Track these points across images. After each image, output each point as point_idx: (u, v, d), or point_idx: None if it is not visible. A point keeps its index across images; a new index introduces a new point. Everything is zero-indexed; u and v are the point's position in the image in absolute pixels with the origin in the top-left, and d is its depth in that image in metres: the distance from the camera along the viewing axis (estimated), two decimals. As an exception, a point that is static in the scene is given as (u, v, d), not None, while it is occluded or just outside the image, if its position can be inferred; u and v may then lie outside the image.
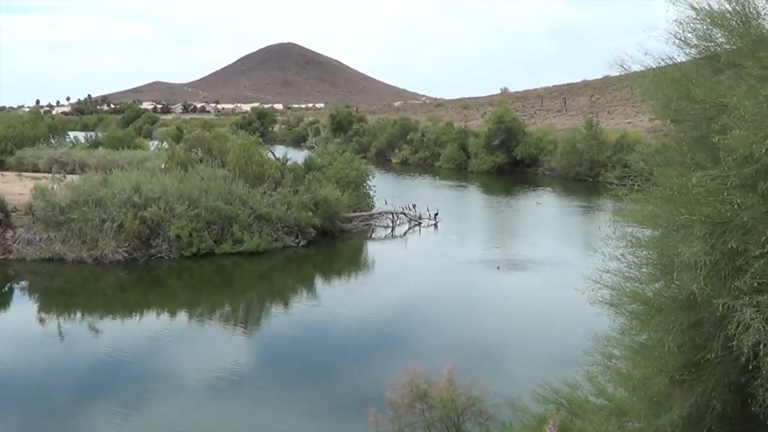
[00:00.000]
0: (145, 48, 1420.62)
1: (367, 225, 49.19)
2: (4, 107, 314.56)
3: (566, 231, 49.86)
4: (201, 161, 45.80)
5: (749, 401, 5.24)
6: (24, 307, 31.51)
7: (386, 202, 52.11)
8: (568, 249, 41.66)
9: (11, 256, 37.33)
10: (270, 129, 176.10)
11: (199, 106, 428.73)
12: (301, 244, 41.69)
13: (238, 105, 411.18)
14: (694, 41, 6.00)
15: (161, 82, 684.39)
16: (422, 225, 50.25)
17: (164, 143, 71.75)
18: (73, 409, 20.37)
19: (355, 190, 49.08)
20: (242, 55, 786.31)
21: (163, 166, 46.86)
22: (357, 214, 48.51)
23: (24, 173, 55.73)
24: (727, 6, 5.69)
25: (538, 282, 34.81)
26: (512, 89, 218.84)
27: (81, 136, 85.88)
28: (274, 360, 24.77)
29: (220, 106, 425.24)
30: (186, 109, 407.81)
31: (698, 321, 5.43)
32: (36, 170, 59.17)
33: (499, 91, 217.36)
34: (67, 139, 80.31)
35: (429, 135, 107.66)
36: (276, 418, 20.15)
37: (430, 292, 33.97)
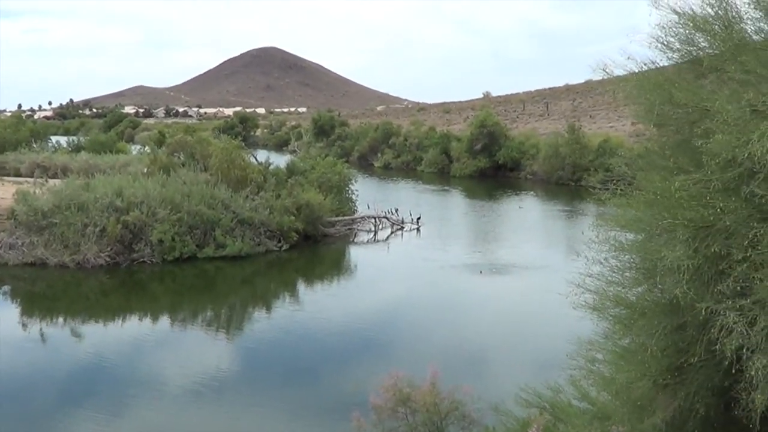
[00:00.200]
0: (128, 52, 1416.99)
1: (349, 229, 49.11)
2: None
3: (549, 235, 49.95)
4: (183, 165, 45.61)
5: (732, 405, 5.25)
6: (6, 312, 31.26)
7: (369, 207, 52.02)
8: (551, 253, 41.69)
9: (-7, 261, 37.15)
10: (252, 133, 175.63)
11: (181, 110, 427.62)
12: (284, 248, 41.59)
13: (221, 109, 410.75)
14: (677, 45, 6.01)
15: (143, 87, 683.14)
16: (405, 229, 50.19)
17: (146, 148, 71.40)
18: (55, 414, 20.24)
19: (337, 195, 48.99)
20: (225, 59, 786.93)
21: (145, 170, 46.68)
22: (339, 218, 48.43)
23: (6, 178, 55.55)
24: (710, 10, 5.70)
25: (521, 286, 34.83)
26: (494, 93, 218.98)
27: (63, 140, 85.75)
28: (256, 365, 24.69)
29: (202, 111, 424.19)
30: (168, 113, 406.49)
31: (681, 325, 5.43)
32: (18, 175, 58.99)
33: (482, 96, 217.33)
34: (49, 144, 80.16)
35: (411, 139, 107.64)
36: (258, 423, 20.08)
37: (412, 296, 33.94)
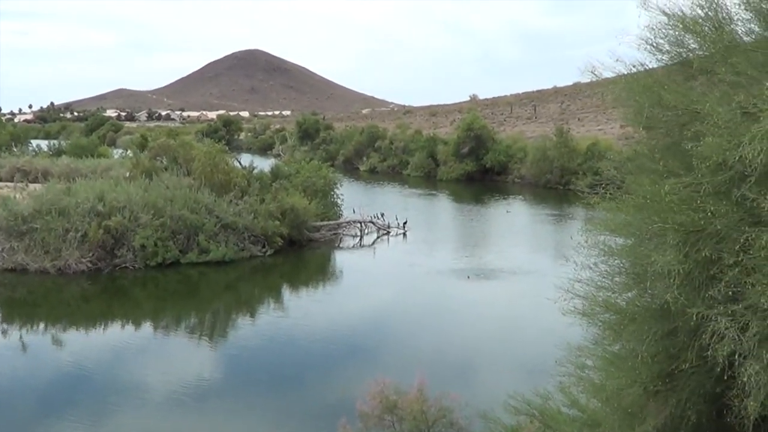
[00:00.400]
0: (109, 55, 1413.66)
1: (334, 234, 49.11)
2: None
3: (537, 240, 50.04)
4: (166, 170, 45.51)
5: (724, 412, 5.24)
6: (-16, 319, 31.18)
7: (354, 211, 52.00)
8: (540, 258, 41.78)
9: (-29, 267, 36.96)
10: (236, 137, 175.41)
11: (164, 113, 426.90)
12: (268, 253, 41.55)
13: (204, 112, 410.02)
14: (666, 47, 6.00)
15: (125, 90, 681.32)
16: (391, 234, 50.23)
17: (128, 151, 71.31)
18: (34, 424, 20.12)
19: (322, 199, 48.97)
20: (208, 61, 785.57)
21: (127, 174, 46.60)
22: (325, 223, 48.41)
23: (-15, 182, 55.29)
24: (700, 11, 5.69)
25: (510, 291, 34.86)
26: (481, 96, 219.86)
27: (44, 144, 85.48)
28: (240, 372, 24.62)
29: (185, 114, 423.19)
30: (151, 116, 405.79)
31: (672, 330, 5.42)
32: (-3, 179, 58.78)
33: (468, 98, 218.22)
34: (30, 148, 79.92)
35: (397, 143, 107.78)
36: (242, 431, 20.02)
37: (399, 302, 33.96)
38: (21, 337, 28.38)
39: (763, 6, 5.52)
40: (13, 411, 20.90)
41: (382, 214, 52.09)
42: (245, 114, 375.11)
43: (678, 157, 5.66)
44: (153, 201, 39.60)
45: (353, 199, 56.31)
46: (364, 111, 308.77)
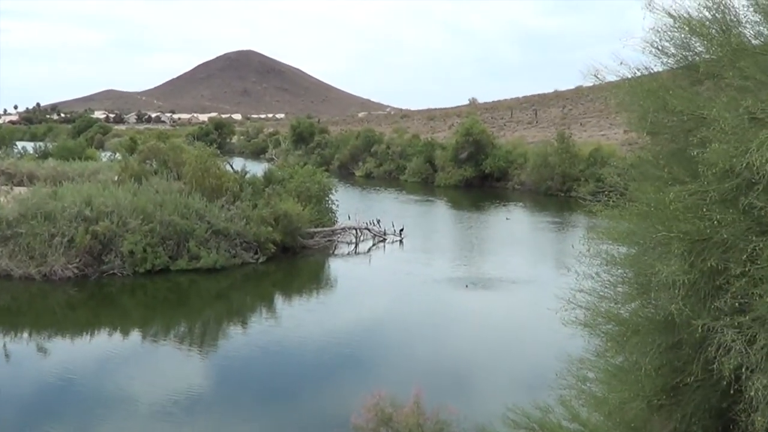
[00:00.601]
0: (98, 55, 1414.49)
1: (329, 241, 49.05)
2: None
3: (538, 248, 50.04)
4: (156, 174, 45.47)
5: (731, 427, 5.23)
6: (-34, 327, 31.10)
7: (349, 217, 51.98)
8: (540, 267, 41.78)
9: (-46, 273, 36.87)
10: (228, 140, 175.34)
11: (153, 115, 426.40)
12: (261, 260, 41.49)
13: (195, 115, 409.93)
14: (672, 50, 6.00)
15: (114, 91, 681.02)
16: (387, 241, 50.16)
17: (117, 154, 71.21)
18: (18, 435, 20.08)
19: (317, 205, 48.92)
20: (199, 62, 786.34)
21: (116, 178, 46.56)
22: (319, 229, 48.37)
23: (-32, 185, 55.15)
24: (707, 13, 5.69)
25: (509, 301, 34.85)
26: (481, 100, 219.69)
27: (29, 146, 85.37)
28: (231, 383, 24.56)
29: (176, 116, 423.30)
30: (140, 118, 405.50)
31: (677, 343, 5.41)
32: (-19, 182, 58.64)
33: (467, 102, 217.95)
34: (15, 150, 79.77)
35: (394, 147, 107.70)
36: (233, 444, 19.97)
37: (395, 311, 33.90)
38: (4, 345, 28.27)
39: (772, 8, 5.52)
40: (-4, 422, 20.84)
41: (378, 221, 52.03)
42: (238, 117, 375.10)
43: (683, 164, 5.66)
44: (142, 206, 39.52)
45: (348, 205, 56.31)
46: (360, 114, 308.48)
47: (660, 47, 6.01)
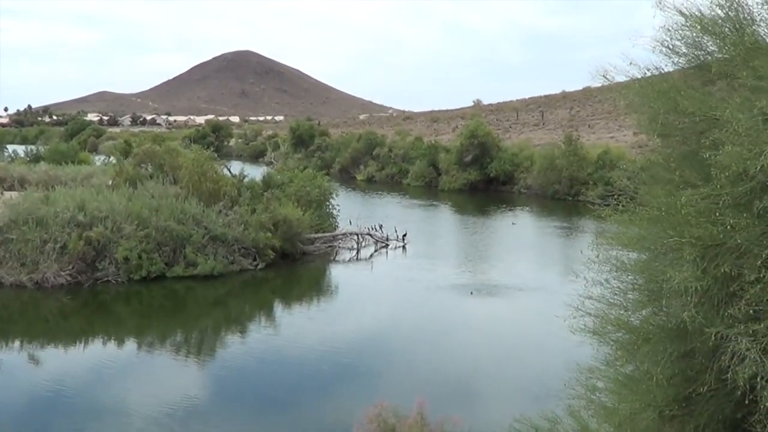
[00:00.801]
0: (91, 55, 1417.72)
1: (330, 247, 49.05)
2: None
3: (545, 254, 50.01)
4: (151, 178, 45.50)
5: (745, 438, 5.21)
6: (-44, 336, 31.10)
7: (351, 223, 51.99)
8: (548, 273, 41.76)
9: (-58, 281, 36.86)
10: (225, 143, 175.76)
11: (149, 118, 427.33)
12: (259, 267, 41.48)
13: (192, 117, 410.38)
14: (683, 49, 6.00)
15: (108, 92, 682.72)
16: (389, 247, 50.17)
17: (111, 158, 71.25)
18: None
19: (317, 210, 48.93)
20: (196, 63, 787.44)
21: (110, 182, 46.56)
22: (319, 235, 48.36)
23: (-43, 190, 55.18)
24: (719, 11, 5.68)
25: (515, 309, 34.84)
26: (486, 101, 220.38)
27: (20, 149, 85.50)
28: (228, 393, 24.54)
29: (171, 119, 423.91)
30: (135, 121, 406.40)
31: (689, 351, 5.40)
32: (-30, 187, 58.66)
33: (472, 104, 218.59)
34: (5, 153, 79.87)
35: (396, 150, 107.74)
36: (231, 456, 19.97)
37: (398, 319, 33.88)
38: (-5, 355, 28.33)
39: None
40: (-13, 434, 20.83)
41: (381, 226, 52.05)
42: (235, 119, 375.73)
43: (695, 167, 5.65)
44: (137, 211, 39.51)
45: (350, 209, 56.30)
46: (361, 116, 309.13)
47: (671, 46, 6.01)
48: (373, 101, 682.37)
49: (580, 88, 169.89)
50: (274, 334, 31.38)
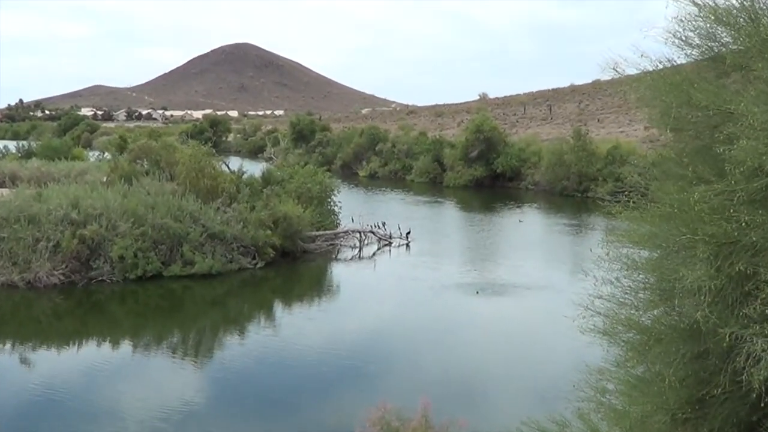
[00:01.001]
0: (85, 48, 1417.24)
1: (331, 245, 49.10)
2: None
3: (553, 252, 50.01)
4: (147, 174, 45.54)
5: (760, 442, 5.21)
6: (-54, 337, 31.12)
7: (353, 220, 52.04)
8: (556, 272, 41.76)
9: (-68, 280, 36.88)
10: (224, 138, 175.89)
11: (144, 112, 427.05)
12: (259, 265, 41.51)
13: (189, 112, 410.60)
14: (696, 41, 5.98)
15: (102, 86, 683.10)
16: (393, 245, 50.21)
17: (106, 154, 71.38)
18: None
19: (318, 207, 48.98)
20: (193, 56, 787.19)
21: (104, 179, 46.59)
22: (321, 232, 48.41)
23: (-53, 187, 55.24)
24: (734, 1, 5.66)
25: (522, 308, 34.86)
26: (492, 95, 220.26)
27: (11, 145, 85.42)
28: (227, 396, 24.55)
29: (168, 113, 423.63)
30: (130, 116, 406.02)
31: (703, 352, 5.39)
32: (-40, 184, 58.72)
33: (478, 97, 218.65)
34: (-4, 149, 79.76)
35: (400, 145, 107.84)
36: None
37: (401, 319, 33.91)
38: (-14, 357, 28.37)
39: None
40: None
41: (384, 224, 52.10)
42: (234, 114, 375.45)
43: (709, 162, 5.63)
44: (133, 208, 39.53)
45: (352, 206, 56.40)
46: (363, 111, 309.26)
47: (683, 38, 5.98)
48: (376, 95, 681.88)
49: (590, 81, 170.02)
50: (273, 334, 31.40)
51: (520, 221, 63.41)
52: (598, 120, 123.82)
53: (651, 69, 6.22)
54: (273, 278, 41.54)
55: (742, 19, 5.63)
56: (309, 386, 24.89)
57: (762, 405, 4.88)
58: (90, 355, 28.90)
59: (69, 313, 35.17)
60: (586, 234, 53.74)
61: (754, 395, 4.86)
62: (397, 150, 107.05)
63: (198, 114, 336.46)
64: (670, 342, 5.63)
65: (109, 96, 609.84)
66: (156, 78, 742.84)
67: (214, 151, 51.37)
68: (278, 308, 36.84)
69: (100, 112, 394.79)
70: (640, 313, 6.12)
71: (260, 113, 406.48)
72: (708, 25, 5.83)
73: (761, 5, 5.59)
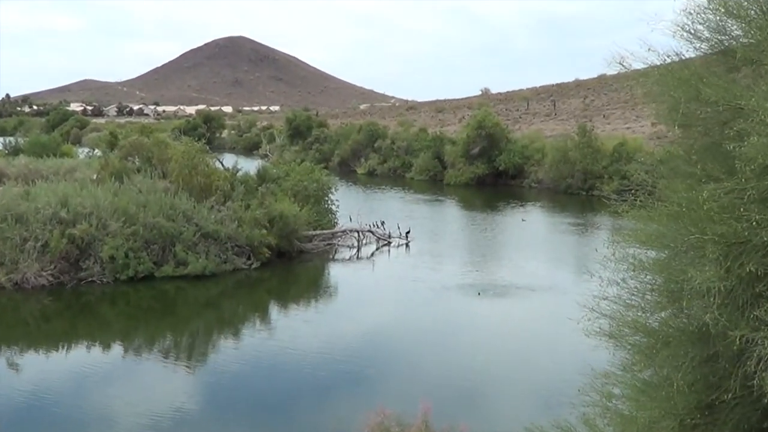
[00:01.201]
0: (74, 41, 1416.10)
1: (329, 244, 49.07)
2: None
3: (557, 252, 49.98)
4: (138, 171, 45.50)
5: (772, 449, 5.21)
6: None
7: (351, 219, 51.99)
8: (560, 273, 41.75)
9: None
10: (218, 135, 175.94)
11: (136, 108, 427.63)
12: (254, 266, 41.48)
13: (181, 107, 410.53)
14: (706, 34, 5.98)
15: (92, 81, 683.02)
16: (392, 245, 50.19)
17: (96, 150, 71.33)
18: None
19: (315, 205, 48.95)
20: (186, 50, 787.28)
21: (94, 176, 46.54)
22: (318, 232, 48.39)
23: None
24: (745, -7, 5.67)
25: (526, 310, 34.84)
26: (494, 90, 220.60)
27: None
28: (220, 401, 24.54)
29: (160, 109, 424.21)
30: (121, 111, 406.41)
31: (712, 356, 5.39)
32: (-55, 181, 58.66)
33: (479, 92, 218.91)
34: (-18, 146, 79.72)
35: (399, 142, 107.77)
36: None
37: (401, 321, 33.90)
38: (-27, 360, 28.33)
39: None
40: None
41: (383, 223, 52.07)
42: (228, 109, 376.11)
43: (718, 160, 5.63)
44: (124, 207, 39.49)
45: (350, 205, 56.37)
46: (361, 106, 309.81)
47: (692, 31, 5.98)
48: (375, 90, 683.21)
49: (595, 75, 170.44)
50: (269, 337, 31.39)
51: (523, 220, 63.40)
52: (604, 116, 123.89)
53: (658, 63, 6.22)
54: (268, 279, 41.52)
55: (753, 12, 5.63)
56: (305, 391, 24.88)
57: (774, 410, 4.89)
58: (79, 358, 28.88)
59: (58, 315, 35.14)
60: (592, 234, 53.75)
61: (766, 401, 4.86)
62: (397, 147, 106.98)
63: (191, 109, 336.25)
64: (678, 345, 5.63)
65: (100, 91, 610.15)
66: (147, 72, 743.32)
67: (207, 147, 51.29)
68: (274, 310, 36.84)
69: (89, 108, 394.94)
70: (648, 315, 6.12)
71: (255, 109, 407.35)
72: (718, 18, 5.83)
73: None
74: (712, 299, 5.02)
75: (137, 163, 47.81)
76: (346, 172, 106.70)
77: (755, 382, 4.86)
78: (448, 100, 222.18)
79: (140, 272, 38.12)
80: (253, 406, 23.97)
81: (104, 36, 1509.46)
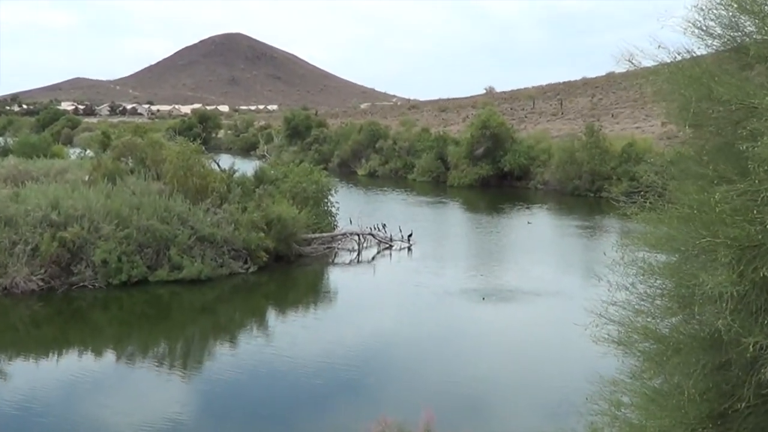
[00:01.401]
0: (65, 38, 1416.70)
1: (328, 248, 49.06)
2: None
3: (564, 256, 49.99)
4: (132, 173, 45.51)
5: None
6: None
7: (351, 222, 52.00)
8: (567, 277, 41.76)
9: None
10: (214, 135, 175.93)
11: (129, 107, 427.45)
12: (251, 270, 41.48)
13: (176, 106, 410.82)
14: (718, 31, 5.97)
15: (84, 79, 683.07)
16: (394, 248, 50.20)
17: (88, 151, 71.33)
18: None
19: (314, 207, 48.93)
20: (181, 47, 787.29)
21: (86, 178, 46.53)
22: (317, 235, 48.37)
23: None
24: (759, -12, 5.66)
25: (532, 316, 34.84)
26: (499, 88, 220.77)
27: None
28: (216, 410, 24.53)
29: (154, 108, 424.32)
30: (114, 110, 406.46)
31: (724, 363, 5.38)
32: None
33: (484, 91, 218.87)
34: (-30, 146, 79.70)
35: (401, 142, 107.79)
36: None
37: (403, 327, 33.89)
38: (-40, 367, 28.33)
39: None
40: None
41: (384, 225, 52.06)
42: (224, 108, 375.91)
43: (731, 160, 5.62)
44: (116, 209, 39.47)
45: (350, 207, 56.32)
46: (362, 106, 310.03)
47: (704, 27, 5.98)
48: (376, 89, 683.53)
49: (603, 73, 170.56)
50: (266, 344, 31.39)
51: (528, 223, 63.43)
52: (612, 115, 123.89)
53: (669, 61, 6.22)
54: (266, 284, 41.53)
55: (767, 7, 5.62)
56: (304, 399, 24.88)
57: (788, 420, 4.88)
58: (70, 366, 28.86)
59: (48, 321, 35.14)
60: (600, 236, 53.76)
61: (781, 409, 4.86)
62: (398, 147, 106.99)
63: (186, 109, 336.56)
64: (689, 352, 5.62)
65: (91, 89, 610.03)
66: (141, 70, 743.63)
67: (203, 148, 51.28)
68: (271, 316, 36.85)
69: (81, 107, 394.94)
70: (658, 321, 6.12)
71: (252, 108, 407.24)
72: (730, 14, 5.82)
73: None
74: (724, 304, 5.01)
75: (131, 164, 47.84)
76: (347, 173, 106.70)
77: (770, 390, 4.86)
78: (452, 99, 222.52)
79: (134, 277, 38.10)
80: (249, 415, 23.96)
81: (97, 33, 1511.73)
